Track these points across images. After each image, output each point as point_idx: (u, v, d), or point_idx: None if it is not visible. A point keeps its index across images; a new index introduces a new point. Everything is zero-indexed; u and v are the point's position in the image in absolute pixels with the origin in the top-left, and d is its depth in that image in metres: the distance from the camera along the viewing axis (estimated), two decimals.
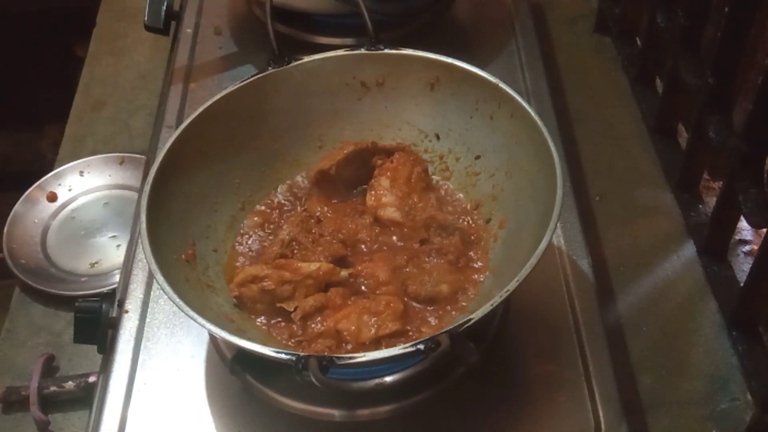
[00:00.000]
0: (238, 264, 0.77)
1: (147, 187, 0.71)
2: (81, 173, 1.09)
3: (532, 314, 0.78)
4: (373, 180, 0.80)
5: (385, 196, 0.78)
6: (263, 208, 0.81)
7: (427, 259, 0.74)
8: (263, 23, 0.86)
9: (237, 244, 0.78)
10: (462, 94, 0.80)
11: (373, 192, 0.79)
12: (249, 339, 0.63)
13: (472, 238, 0.77)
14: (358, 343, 0.68)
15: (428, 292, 0.72)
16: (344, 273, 0.72)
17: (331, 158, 0.80)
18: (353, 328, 0.68)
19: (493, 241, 0.76)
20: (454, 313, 0.72)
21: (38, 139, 1.73)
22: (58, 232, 1.04)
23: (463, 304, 0.72)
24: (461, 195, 0.81)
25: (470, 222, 0.79)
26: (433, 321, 0.71)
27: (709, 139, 0.83)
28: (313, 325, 0.70)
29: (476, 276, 0.74)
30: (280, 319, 0.72)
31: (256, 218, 0.81)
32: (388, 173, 0.79)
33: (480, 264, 0.75)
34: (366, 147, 0.81)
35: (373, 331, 0.68)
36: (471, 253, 0.75)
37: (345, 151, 0.80)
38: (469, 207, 0.80)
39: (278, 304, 0.71)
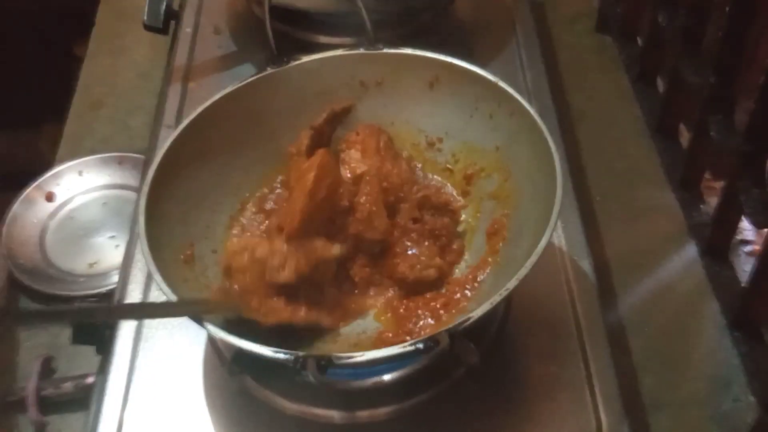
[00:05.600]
0: None
1: (146, 187, 0.71)
2: (79, 173, 1.08)
3: (533, 315, 0.78)
4: (343, 154, 0.79)
5: (359, 167, 0.77)
6: (262, 207, 0.81)
7: (417, 239, 0.75)
8: (263, 22, 0.86)
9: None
10: (461, 93, 0.80)
11: (346, 165, 0.78)
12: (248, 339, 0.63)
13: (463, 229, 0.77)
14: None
15: (417, 275, 0.72)
16: (336, 250, 0.71)
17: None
18: None
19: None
20: (453, 311, 0.71)
21: (37, 138, 1.72)
22: (56, 232, 1.04)
23: (463, 303, 0.72)
24: (460, 195, 0.81)
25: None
26: (432, 320, 0.71)
27: (711, 138, 0.83)
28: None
29: (463, 264, 0.75)
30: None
31: (255, 217, 0.80)
32: (357, 145, 0.79)
33: (468, 257, 0.76)
34: (321, 124, 0.81)
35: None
36: (455, 246, 0.76)
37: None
38: (469, 207, 0.80)
39: (267, 278, 0.68)
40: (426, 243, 0.75)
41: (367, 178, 0.76)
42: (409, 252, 0.75)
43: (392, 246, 0.75)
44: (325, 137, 0.81)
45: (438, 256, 0.75)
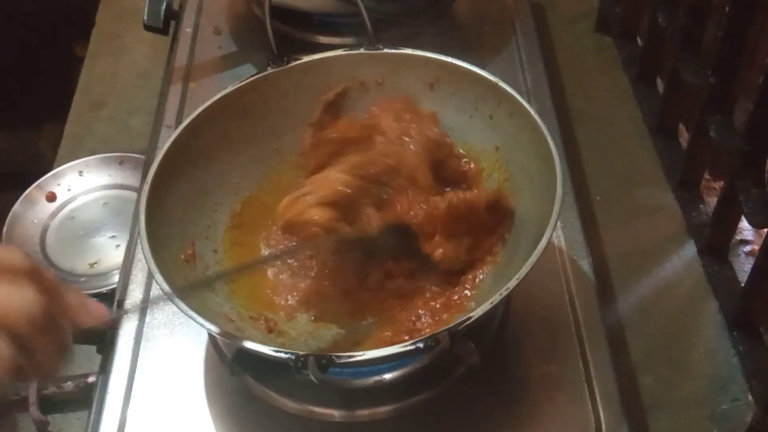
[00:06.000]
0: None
1: (146, 187, 0.71)
2: (80, 173, 1.08)
3: (533, 314, 0.78)
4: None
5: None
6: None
7: (456, 229, 0.73)
8: (263, 22, 0.86)
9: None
10: (461, 93, 0.80)
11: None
12: (248, 338, 0.63)
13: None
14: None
15: (447, 266, 0.72)
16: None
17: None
18: None
19: None
20: (453, 311, 0.71)
21: (37, 138, 1.72)
22: (57, 232, 1.04)
23: (463, 303, 0.72)
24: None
25: None
26: (432, 320, 0.71)
27: (710, 138, 0.83)
28: None
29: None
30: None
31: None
32: (376, 128, 0.78)
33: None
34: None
35: None
36: (488, 243, 0.75)
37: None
38: None
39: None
40: (464, 235, 0.73)
41: (415, 135, 0.76)
42: (446, 240, 0.73)
43: (434, 227, 0.73)
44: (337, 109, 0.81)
45: (470, 250, 0.73)
